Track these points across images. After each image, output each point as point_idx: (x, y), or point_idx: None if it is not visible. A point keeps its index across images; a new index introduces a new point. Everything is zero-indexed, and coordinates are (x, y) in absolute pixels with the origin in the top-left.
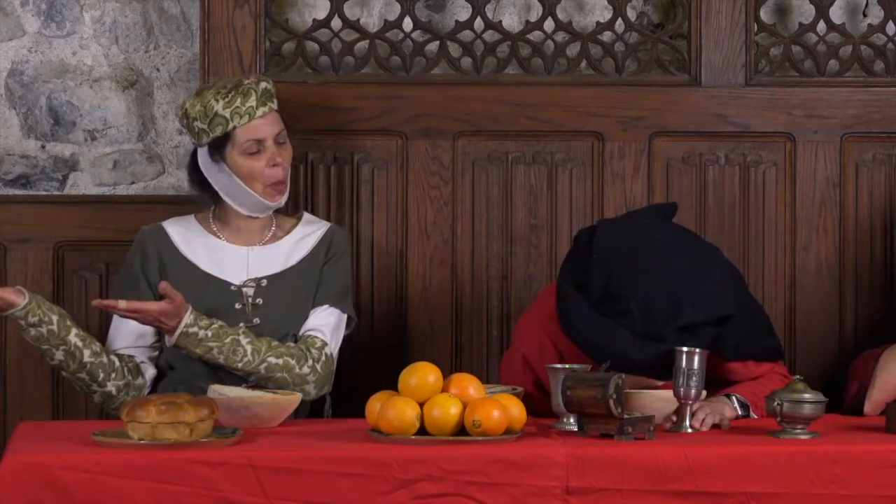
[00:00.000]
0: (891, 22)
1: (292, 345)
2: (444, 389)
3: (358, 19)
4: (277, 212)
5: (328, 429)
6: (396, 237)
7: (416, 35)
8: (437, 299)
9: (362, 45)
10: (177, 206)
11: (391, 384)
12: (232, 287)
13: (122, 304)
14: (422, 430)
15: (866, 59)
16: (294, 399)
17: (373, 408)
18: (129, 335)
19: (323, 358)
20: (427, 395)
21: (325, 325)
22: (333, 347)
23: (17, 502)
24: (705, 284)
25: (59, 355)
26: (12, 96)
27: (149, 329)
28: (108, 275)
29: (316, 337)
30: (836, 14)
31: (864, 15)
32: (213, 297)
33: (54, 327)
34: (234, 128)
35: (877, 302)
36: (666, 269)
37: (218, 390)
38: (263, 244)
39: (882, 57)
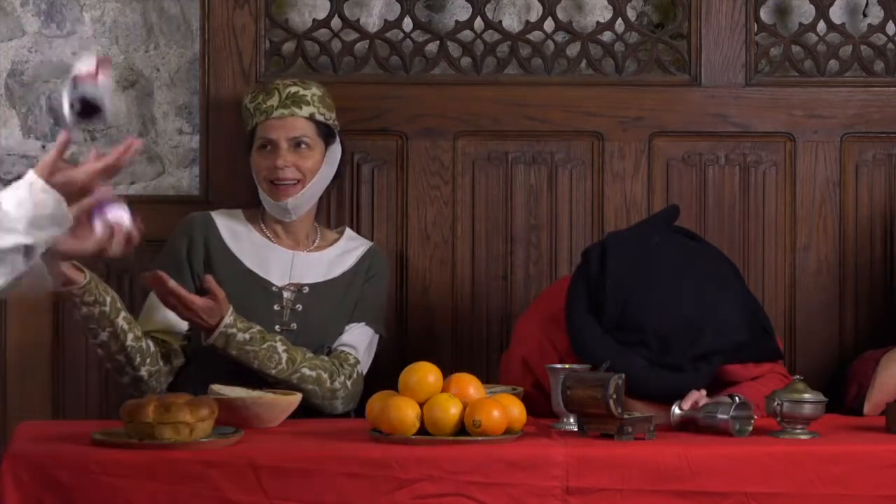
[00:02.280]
0: (891, 22)
1: (326, 358)
2: (444, 389)
3: (358, 19)
4: (320, 223)
5: (328, 429)
6: (396, 237)
7: (416, 35)
8: (437, 299)
9: (362, 45)
10: (177, 205)
11: (391, 384)
12: (273, 288)
13: (172, 282)
14: (422, 430)
15: (866, 59)
16: (294, 399)
17: (373, 408)
18: (163, 319)
19: (354, 375)
20: (427, 395)
21: (360, 342)
22: (364, 365)
23: (17, 502)
24: (718, 313)
25: (103, 336)
26: (12, 96)
27: None
28: (108, 275)
29: (350, 353)
30: (836, 14)
31: (864, 15)
32: (254, 294)
33: (107, 308)
34: (257, 124)
35: (877, 302)
36: (679, 297)
37: (218, 390)
38: (308, 251)
39: (882, 57)
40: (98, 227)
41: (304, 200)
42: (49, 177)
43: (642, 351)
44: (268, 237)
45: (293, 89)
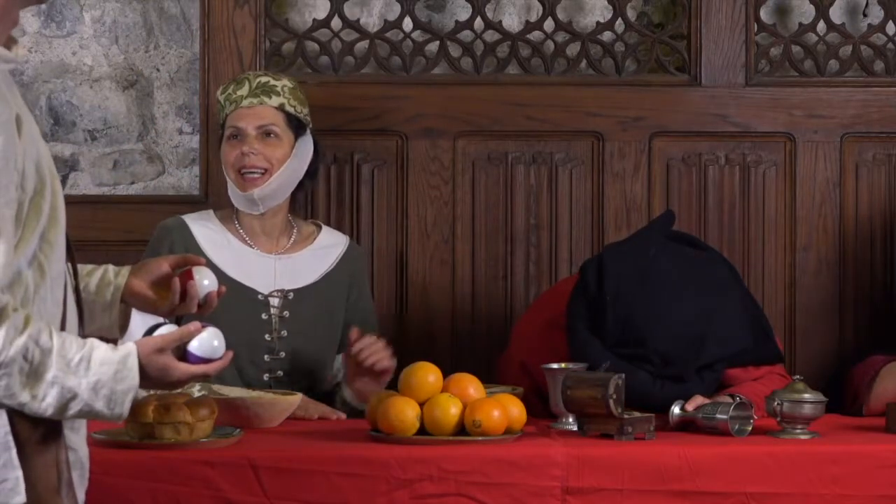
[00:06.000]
0: (891, 22)
1: None
2: (444, 389)
3: (358, 19)
4: (295, 216)
5: (328, 429)
6: (396, 237)
7: (416, 35)
8: (437, 299)
9: (362, 45)
10: (177, 206)
11: (391, 384)
12: (259, 296)
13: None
14: (422, 430)
15: (866, 59)
16: (294, 399)
17: (373, 408)
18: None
19: None
20: (427, 395)
21: None
22: None
23: None
24: (720, 321)
25: None
26: None
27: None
28: None
29: None
30: (836, 14)
31: (864, 15)
32: (240, 305)
33: None
34: (227, 115)
35: (877, 302)
36: (680, 309)
37: (218, 390)
38: (287, 252)
39: (882, 57)
40: (177, 289)
41: (270, 191)
42: (151, 355)
43: (645, 365)
44: (245, 240)
45: (264, 79)
